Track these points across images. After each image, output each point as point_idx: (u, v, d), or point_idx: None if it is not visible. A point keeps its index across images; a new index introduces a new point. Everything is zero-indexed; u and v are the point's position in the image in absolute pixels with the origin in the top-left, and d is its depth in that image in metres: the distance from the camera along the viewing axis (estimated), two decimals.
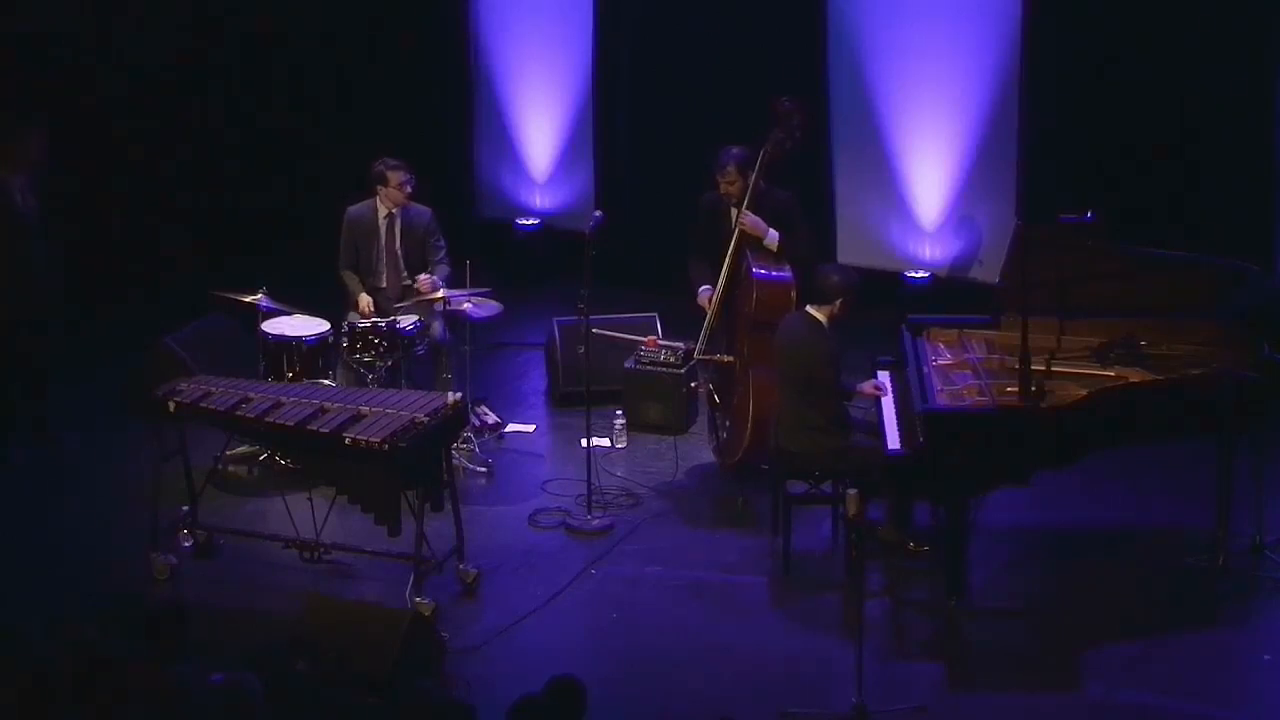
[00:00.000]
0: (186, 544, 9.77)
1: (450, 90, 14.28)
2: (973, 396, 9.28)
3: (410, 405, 9.28)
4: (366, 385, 10.44)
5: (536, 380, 12.17)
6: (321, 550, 9.52)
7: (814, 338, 9.55)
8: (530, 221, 14.25)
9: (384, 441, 8.97)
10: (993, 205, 12.55)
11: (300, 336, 10.60)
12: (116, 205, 13.01)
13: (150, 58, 13.22)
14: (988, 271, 12.01)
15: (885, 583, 9.48)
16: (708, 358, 10.70)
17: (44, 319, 10.85)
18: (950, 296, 12.32)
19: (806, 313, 9.63)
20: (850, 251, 12.97)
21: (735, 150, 10.37)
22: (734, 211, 10.42)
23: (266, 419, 9.27)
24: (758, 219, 10.31)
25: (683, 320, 11.18)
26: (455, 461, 9.93)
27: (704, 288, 10.57)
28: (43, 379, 10.99)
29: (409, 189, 10.92)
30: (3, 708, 6.74)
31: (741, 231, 10.35)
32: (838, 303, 9.57)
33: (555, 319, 11.82)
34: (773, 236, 10.33)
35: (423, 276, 10.83)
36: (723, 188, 10.40)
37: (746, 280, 10.27)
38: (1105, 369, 9.42)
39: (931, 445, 8.97)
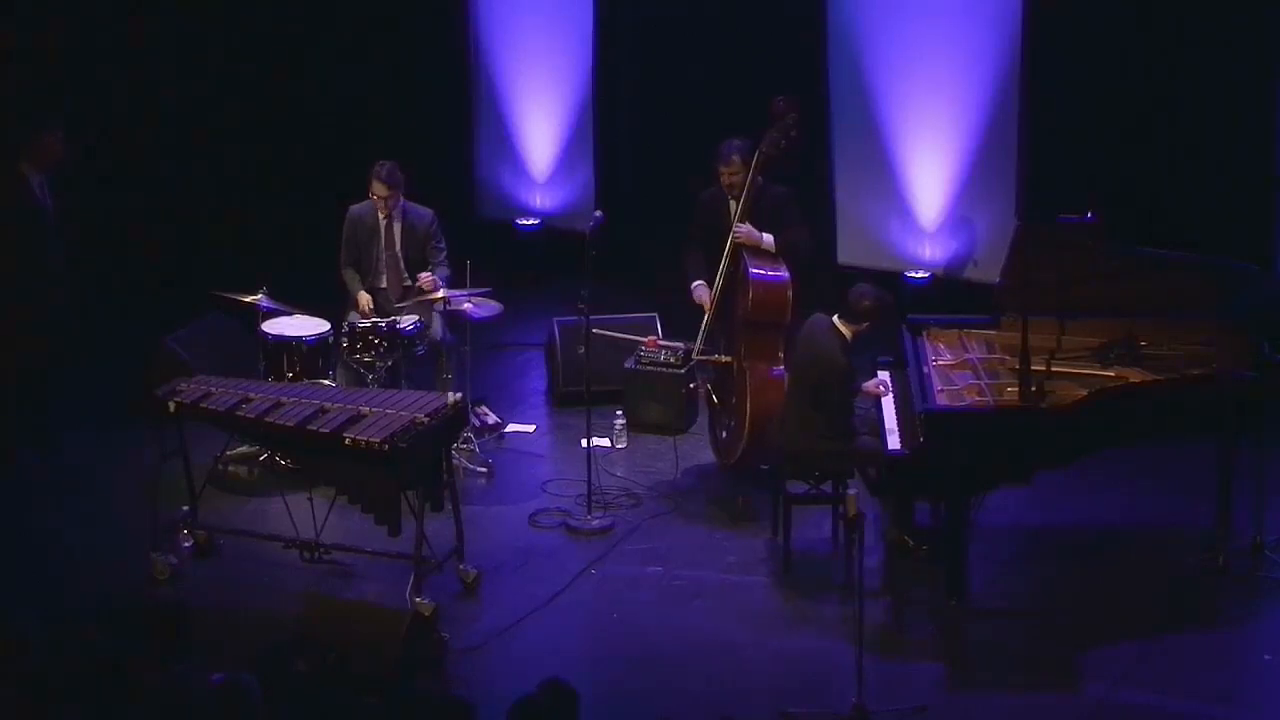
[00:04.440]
0: (186, 544, 9.77)
1: (450, 90, 14.28)
2: (973, 396, 9.29)
3: (410, 405, 9.28)
4: (366, 385, 10.44)
5: (536, 380, 12.17)
6: (321, 550, 9.53)
7: (834, 350, 9.53)
8: (530, 221, 14.24)
9: (384, 442, 8.97)
10: (993, 205, 12.55)
11: (300, 336, 10.60)
12: (116, 205, 13.01)
13: (150, 58, 13.23)
14: (987, 271, 12.01)
15: (885, 583, 9.48)
16: (705, 358, 10.70)
17: (60, 319, 10.87)
18: (950, 296, 12.32)
19: (833, 324, 9.61)
20: (850, 251, 12.98)
21: (738, 142, 10.38)
22: (734, 205, 10.43)
23: (266, 419, 9.27)
24: (751, 229, 10.32)
25: (683, 320, 11.17)
26: (455, 461, 9.93)
27: (698, 283, 10.57)
28: (44, 379, 11.00)
29: (386, 199, 10.84)
30: (3, 708, 6.74)
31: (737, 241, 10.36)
32: (865, 324, 9.58)
33: (555, 319, 11.81)
34: (768, 241, 10.33)
35: (424, 274, 10.83)
36: (726, 178, 10.40)
37: (743, 280, 10.27)
38: (1105, 369, 9.42)
39: (931, 445, 8.98)
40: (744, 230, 10.32)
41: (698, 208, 10.68)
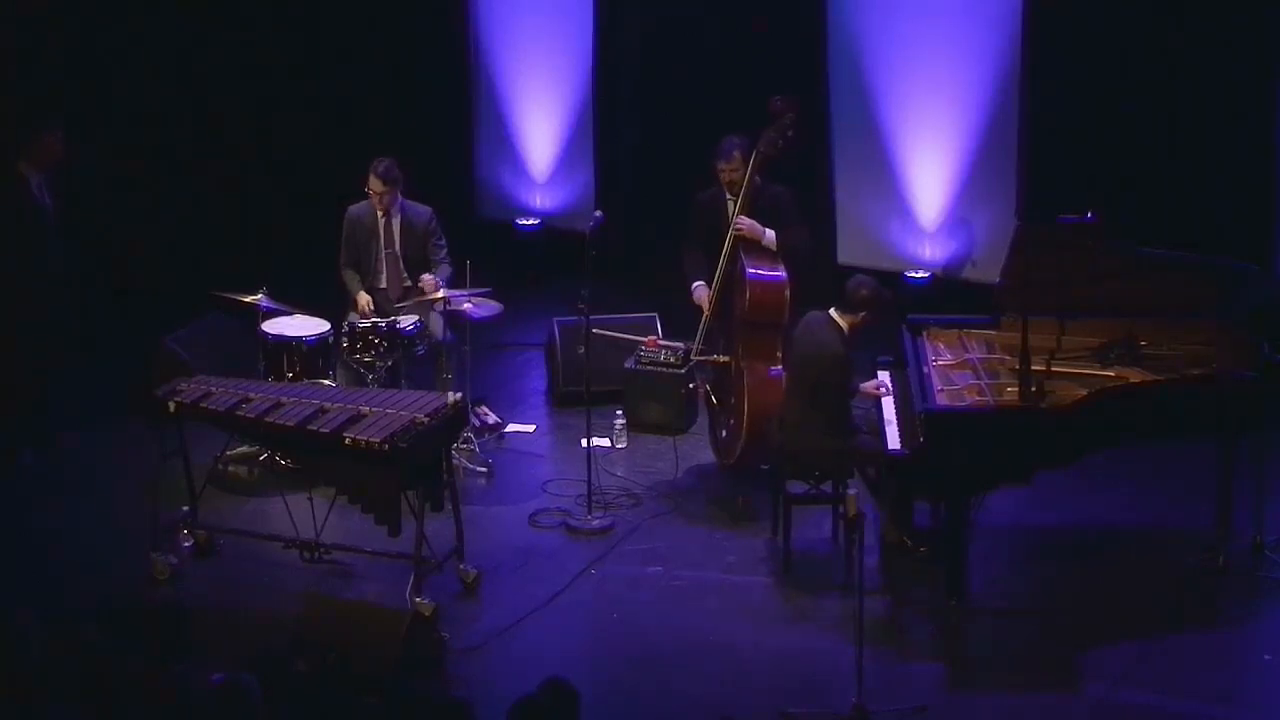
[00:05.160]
0: (186, 544, 9.77)
1: (450, 90, 14.28)
2: (973, 396, 9.29)
3: (410, 405, 9.28)
4: (366, 385, 10.45)
5: (536, 380, 12.17)
6: (321, 550, 9.53)
7: (831, 342, 9.55)
8: (530, 221, 14.25)
9: (384, 441, 8.97)
10: (993, 205, 12.55)
11: (300, 336, 10.60)
12: (116, 205, 13.02)
13: (150, 58, 13.24)
14: (987, 271, 12.01)
15: (885, 583, 9.48)
16: (704, 358, 10.70)
17: (60, 319, 10.89)
18: (950, 296, 12.33)
19: (830, 316, 9.62)
20: (850, 251, 12.98)
21: (738, 139, 10.39)
22: (731, 204, 10.44)
23: (266, 419, 9.27)
24: (753, 222, 10.32)
25: (683, 320, 11.17)
26: (455, 461, 9.93)
27: (698, 283, 10.57)
28: (44, 379, 11.01)
29: (381, 194, 10.86)
30: (3, 708, 6.74)
31: (738, 234, 10.35)
32: (861, 315, 9.58)
33: (555, 319, 11.81)
34: (769, 237, 10.34)
35: (426, 276, 10.83)
36: (726, 175, 10.40)
37: (741, 280, 10.27)
38: (1105, 369, 9.42)
39: (931, 445, 8.98)
40: (746, 223, 10.31)
41: (696, 210, 10.68)
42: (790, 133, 10.32)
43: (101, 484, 10.59)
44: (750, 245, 10.33)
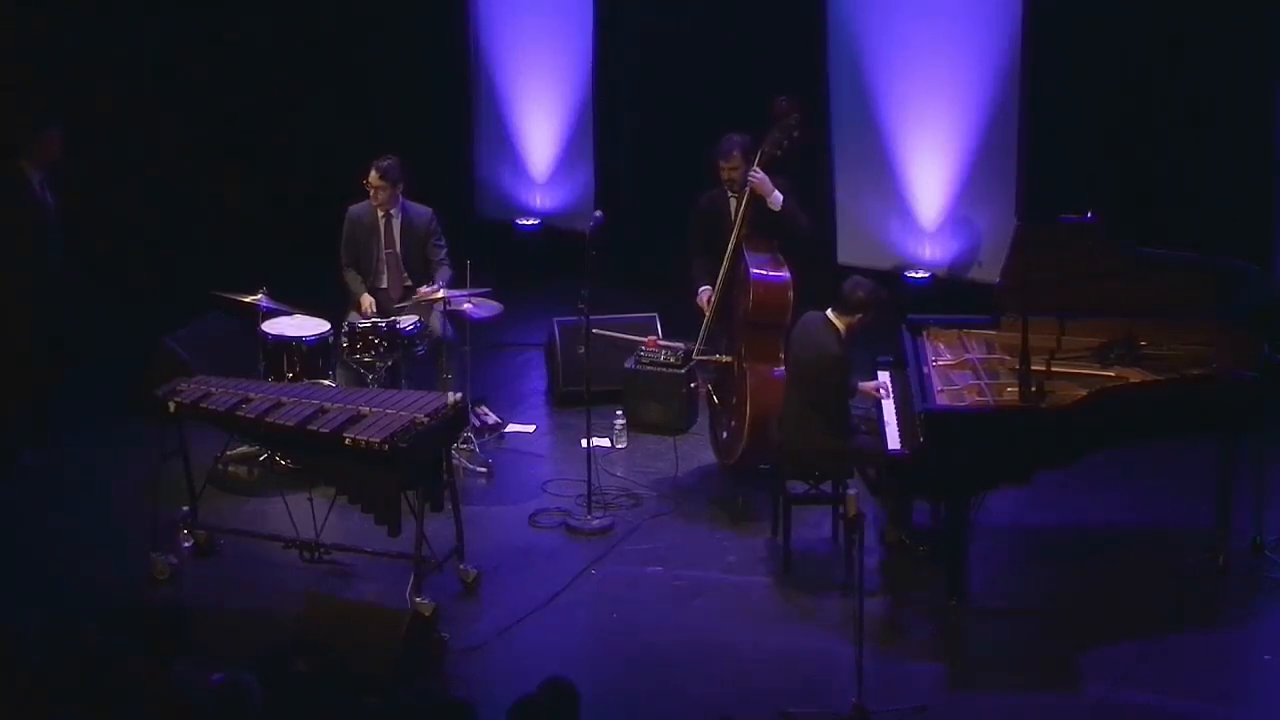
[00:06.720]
0: (186, 544, 9.77)
1: (450, 90, 14.28)
2: (973, 396, 9.29)
3: (410, 405, 9.28)
4: (366, 385, 10.45)
5: (536, 380, 12.17)
6: (321, 550, 9.53)
7: (828, 343, 9.55)
8: (530, 221, 14.25)
9: (384, 442, 8.97)
10: (993, 205, 12.55)
11: (300, 336, 10.60)
12: (116, 204, 13.02)
13: (150, 58, 13.24)
14: (987, 271, 12.01)
15: (885, 583, 9.48)
16: (706, 358, 10.70)
17: (60, 317, 10.90)
18: (950, 296, 12.33)
19: (826, 317, 9.63)
20: (850, 251, 12.98)
21: (738, 137, 10.42)
22: (733, 202, 10.45)
23: (266, 419, 9.27)
24: (765, 177, 10.31)
25: (683, 320, 11.18)
26: (455, 461, 9.93)
27: (703, 287, 10.58)
28: (45, 378, 11.01)
29: (378, 189, 10.88)
30: (3, 708, 6.74)
31: (740, 232, 10.35)
32: (858, 316, 9.59)
33: (555, 319, 11.81)
34: (777, 198, 10.34)
35: (424, 289, 10.83)
36: (726, 173, 10.42)
37: (744, 281, 10.28)
38: (1105, 369, 9.43)
39: (931, 445, 8.98)
40: (759, 177, 10.30)
41: (696, 214, 10.68)
42: (796, 133, 10.34)
43: (101, 484, 10.59)
44: (755, 245, 10.34)
